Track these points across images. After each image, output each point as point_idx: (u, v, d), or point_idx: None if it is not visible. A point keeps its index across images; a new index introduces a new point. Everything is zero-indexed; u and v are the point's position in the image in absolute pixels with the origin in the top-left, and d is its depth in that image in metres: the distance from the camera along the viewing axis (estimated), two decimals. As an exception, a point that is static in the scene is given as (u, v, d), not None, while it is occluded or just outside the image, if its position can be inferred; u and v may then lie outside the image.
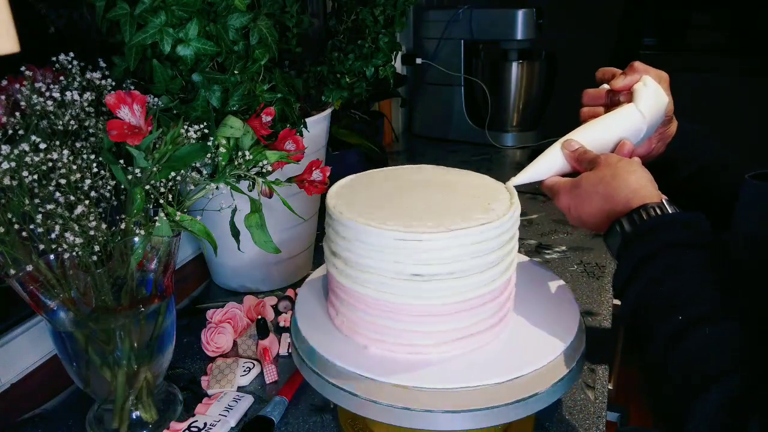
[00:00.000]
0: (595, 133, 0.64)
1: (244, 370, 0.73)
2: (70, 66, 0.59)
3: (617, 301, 1.04)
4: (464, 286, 0.51)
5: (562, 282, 0.65)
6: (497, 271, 0.52)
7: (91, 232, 0.51)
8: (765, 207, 0.55)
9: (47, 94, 0.55)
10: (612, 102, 0.68)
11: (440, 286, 0.50)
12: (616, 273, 0.54)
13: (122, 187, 0.55)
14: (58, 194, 0.50)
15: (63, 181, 0.51)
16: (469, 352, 0.54)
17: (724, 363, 0.44)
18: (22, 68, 0.57)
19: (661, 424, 0.47)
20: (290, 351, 0.77)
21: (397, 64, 1.67)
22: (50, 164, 0.50)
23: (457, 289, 0.51)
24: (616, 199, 0.56)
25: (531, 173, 0.63)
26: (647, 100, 0.64)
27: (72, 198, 0.51)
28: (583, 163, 0.62)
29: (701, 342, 0.45)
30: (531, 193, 1.30)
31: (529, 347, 0.54)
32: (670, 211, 0.53)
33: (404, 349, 0.53)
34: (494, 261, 0.52)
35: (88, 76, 0.60)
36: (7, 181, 0.49)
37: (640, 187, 0.55)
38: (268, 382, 0.72)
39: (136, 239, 0.55)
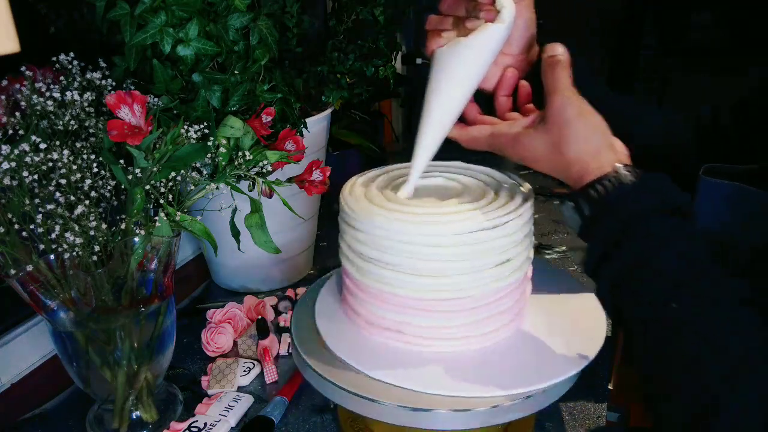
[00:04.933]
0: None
1: (244, 370, 0.73)
2: (70, 66, 0.59)
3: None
4: (474, 281, 0.50)
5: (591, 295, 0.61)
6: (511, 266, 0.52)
7: (91, 232, 0.51)
8: (724, 206, 0.52)
9: (47, 94, 0.55)
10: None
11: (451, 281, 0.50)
12: (584, 259, 0.49)
13: (122, 187, 0.55)
14: (58, 194, 0.50)
15: (63, 181, 0.51)
16: (482, 350, 0.53)
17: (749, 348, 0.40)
18: (22, 68, 0.57)
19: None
20: (290, 351, 0.77)
21: (397, 64, 1.66)
22: (50, 164, 0.50)
23: (468, 284, 0.50)
24: (568, 173, 0.50)
25: (422, 163, 0.55)
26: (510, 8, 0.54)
27: (72, 198, 0.51)
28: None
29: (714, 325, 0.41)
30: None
31: (543, 358, 0.52)
32: (627, 180, 0.47)
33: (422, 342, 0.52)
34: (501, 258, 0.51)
35: (88, 76, 0.60)
36: (7, 181, 0.49)
37: (594, 157, 0.48)
38: (268, 382, 0.72)
39: (136, 239, 0.55)
